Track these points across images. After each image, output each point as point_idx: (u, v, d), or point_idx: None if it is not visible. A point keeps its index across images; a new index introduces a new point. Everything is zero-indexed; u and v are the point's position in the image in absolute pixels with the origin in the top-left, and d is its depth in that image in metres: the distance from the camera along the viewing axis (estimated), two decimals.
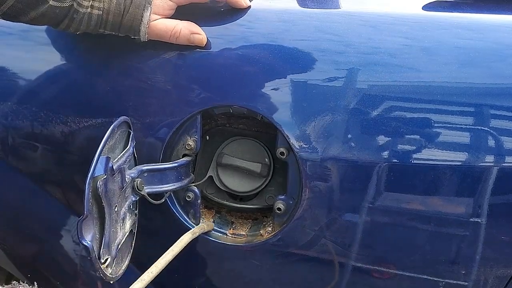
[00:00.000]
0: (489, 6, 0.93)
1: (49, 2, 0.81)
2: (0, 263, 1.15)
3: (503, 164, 0.79)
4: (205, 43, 0.88)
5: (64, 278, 1.09)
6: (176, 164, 0.91)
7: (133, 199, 0.84)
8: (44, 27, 0.91)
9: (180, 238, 0.88)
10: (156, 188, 0.88)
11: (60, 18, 0.83)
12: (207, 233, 0.96)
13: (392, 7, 0.94)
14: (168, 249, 0.84)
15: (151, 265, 0.80)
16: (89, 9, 0.83)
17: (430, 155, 0.80)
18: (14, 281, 0.57)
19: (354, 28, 0.87)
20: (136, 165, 0.88)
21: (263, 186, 0.96)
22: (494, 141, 0.79)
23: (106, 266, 0.74)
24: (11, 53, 1.02)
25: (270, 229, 0.93)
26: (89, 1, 0.83)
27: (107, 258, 0.75)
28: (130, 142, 0.84)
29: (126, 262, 0.84)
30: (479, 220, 0.81)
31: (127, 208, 0.82)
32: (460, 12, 0.91)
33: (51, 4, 0.81)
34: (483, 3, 0.95)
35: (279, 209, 0.90)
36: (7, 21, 0.85)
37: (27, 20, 0.83)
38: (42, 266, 1.09)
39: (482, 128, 0.79)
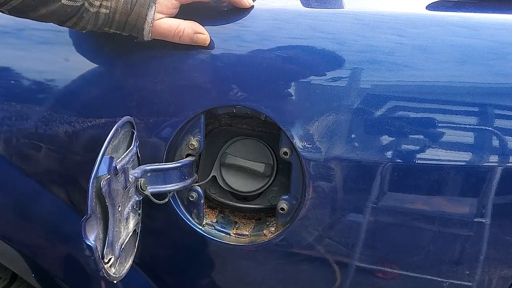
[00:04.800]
0: (491, 6, 0.92)
1: (61, 0, 0.80)
2: (4, 262, 1.15)
3: (507, 164, 0.79)
4: (208, 43, 0.88)
5: (67, 277, 1.09)
6: (179, 164, 0.91)
7: (137, 199, 0.84)
8: (46, 26, 0.91)
9: None
10: (159, 188, 0.88)
11: (69, 16, 0.83)
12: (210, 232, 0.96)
13: (396, 6, 0.94)
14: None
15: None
16: (97, 8, 0.83)
17: (434, 154, 0.80)
18: None
19: (356, 27, 0.86)
20: (139, 165, 0.88)
21: (266, 186, 0.96)
22: (498, 141, 0.79)
23: (110, 266, 0.74)
24: (13, 53, 1.02)
25: (273, 229, 0.93)
26: (100, 1, 0.83)
27: (111, 258, 0.75)
28: (133, 142, 0.84)
29: (130, 262, 0.84)
30: (483, 220, 0.81)
31: (130, 208, 0.83)
32: (463, 12, 0.91)
33: (63, 3, 0.80)
34: (486, 3, 0.95)
35: (282, 209, 0.90)
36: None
37: (35, 16, 0.82)
38: (45, 265, 1.10)
39: (487, 127, 0.79)
